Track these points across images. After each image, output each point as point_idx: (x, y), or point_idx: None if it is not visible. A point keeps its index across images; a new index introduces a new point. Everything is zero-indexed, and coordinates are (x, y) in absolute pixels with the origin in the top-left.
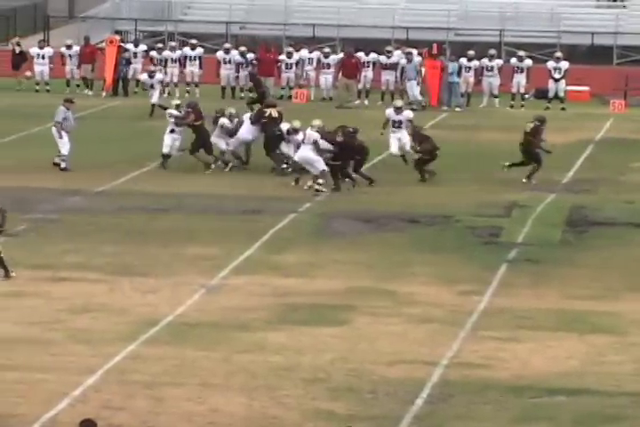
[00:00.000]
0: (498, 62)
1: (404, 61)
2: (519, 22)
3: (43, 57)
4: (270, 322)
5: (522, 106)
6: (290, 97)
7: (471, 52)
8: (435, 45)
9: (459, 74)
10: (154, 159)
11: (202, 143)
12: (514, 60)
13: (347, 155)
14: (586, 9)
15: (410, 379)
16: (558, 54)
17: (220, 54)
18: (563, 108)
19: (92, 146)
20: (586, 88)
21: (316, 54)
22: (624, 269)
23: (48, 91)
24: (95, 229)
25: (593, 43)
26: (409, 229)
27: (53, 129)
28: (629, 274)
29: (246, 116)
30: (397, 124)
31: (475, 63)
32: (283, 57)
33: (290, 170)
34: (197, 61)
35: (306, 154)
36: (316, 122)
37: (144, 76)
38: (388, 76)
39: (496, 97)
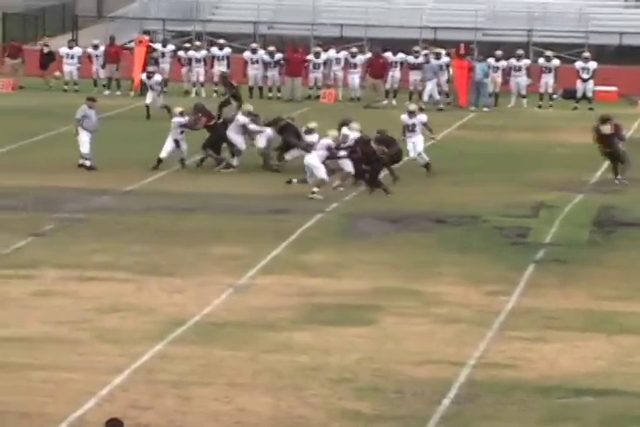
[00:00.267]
0: (525, 62)
1: (432, 61)
2: (547, 22)
3: (72, 57)
4: (297, 322)
5: (550, 106)
6: (317, 97)
7: (499, 53)
8: (462, 45)
9: (486, 74)
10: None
11: (215, 141)
12: (541, 61)
13: (366, 161)
14: (614, 9)
15: (437, 379)
16: (586, 54)
17: (247, 54)
18: (590, 109)
19: (120, 145)
20: (614, 88)
21: (343, 54)
22: None
23: (76, 91)
24: (123, 228)
25: (621, 43)
26: (436, 229)
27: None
28: None
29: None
30: (411, 128)
31: (502, 63)
32: (310, 57)
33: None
34: (225, 61)
35: (311, 160)
36: (332, 132)
37: (143, 77)
38: (415, 77)
39: (524, 97)
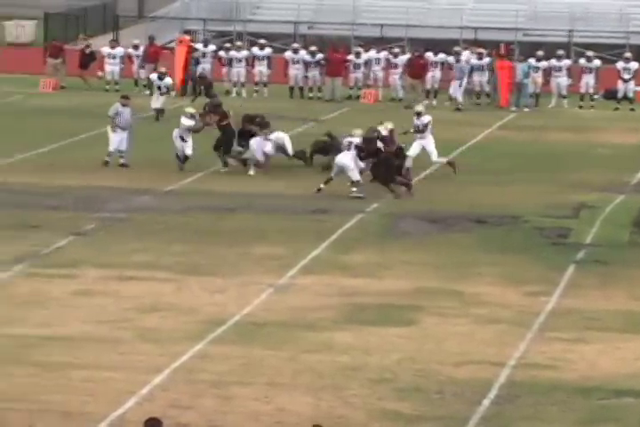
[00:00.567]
0: (566, 63)
1: (474, 61)
2: (588, 23)
3: (114, 57)
4: (337, 322)
5: (591, 106)
6: (358, 97)
7: (540, 53)
8: (502, 46)
9: (527, 74)
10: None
11: (224, 142)
12: (582, 61)
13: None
14: None
15: (477, 379)
16: (628, 55)
17: (288, 54)
18: (632, 109)
19: (161, 145)
20: None
21: (383, 54)
22: None
23: (117, 90)
24: (164, 228)
25: None
26: (476, 229)
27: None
28: None
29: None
30: (420, 129)
31: (543, 64)
32: (351, 57)
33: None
34: (266, 61)
35: (345, 160)
36: (357, 131)
37: (153, 76)
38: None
39: (565, 97)
